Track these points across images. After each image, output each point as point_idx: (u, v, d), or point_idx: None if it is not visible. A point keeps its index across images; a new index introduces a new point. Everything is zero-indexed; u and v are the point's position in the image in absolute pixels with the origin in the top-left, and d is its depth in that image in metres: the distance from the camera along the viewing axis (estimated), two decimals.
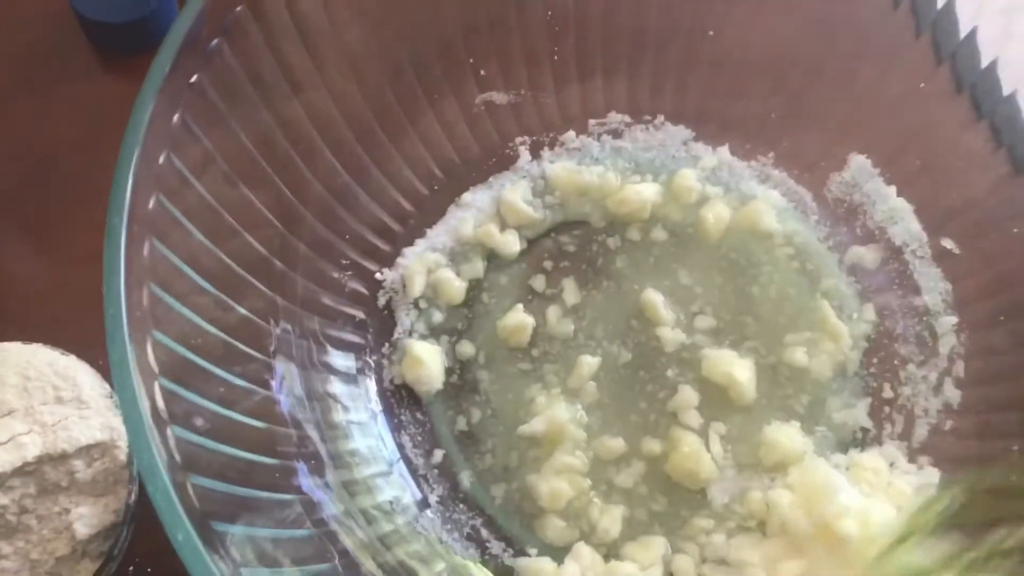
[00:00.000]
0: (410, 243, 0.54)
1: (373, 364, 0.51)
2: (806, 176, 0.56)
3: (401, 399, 0.51)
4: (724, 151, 0.57)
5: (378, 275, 0.53)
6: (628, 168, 0.57)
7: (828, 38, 0.54)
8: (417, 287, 0.52)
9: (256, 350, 0.43)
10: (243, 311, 0.43)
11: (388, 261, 0.53)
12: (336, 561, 0.39)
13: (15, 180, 0.56)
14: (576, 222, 0.55)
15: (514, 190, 0.55)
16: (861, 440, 0.49)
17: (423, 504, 0.48)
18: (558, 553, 0.46)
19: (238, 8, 0.42)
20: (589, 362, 0.50)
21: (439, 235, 0.54)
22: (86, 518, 0.41)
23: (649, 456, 0.48)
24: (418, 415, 0.50)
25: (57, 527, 0.41)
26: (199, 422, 0.36)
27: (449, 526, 0.47)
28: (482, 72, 0.55)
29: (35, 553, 0.41)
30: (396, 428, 0.50)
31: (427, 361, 0.50)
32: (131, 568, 0.45)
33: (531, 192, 0.55)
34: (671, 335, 0.51)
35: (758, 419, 0.49)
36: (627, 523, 0.47)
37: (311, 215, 0.49)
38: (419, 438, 0.50)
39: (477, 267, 0.53)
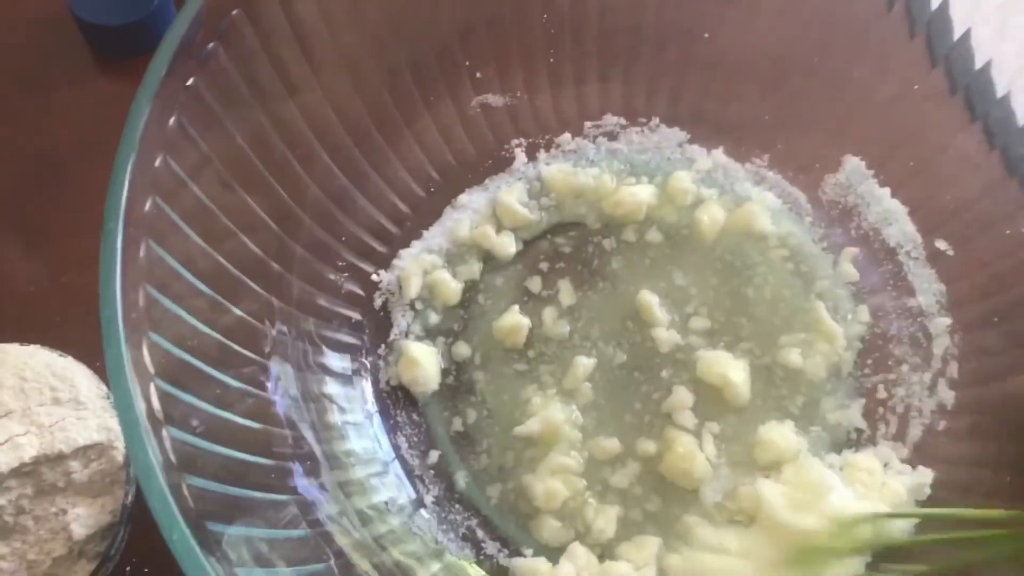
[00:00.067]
0: (406, 245, 0.54)
1: (369, 365, 0.51)
2: (800, 178, 0.56)
3: (397, 400, 0.51)
4: (719, 153, 0.57)
5: (374, 277, 0.53)
6: (623, 170, 0.57)
7: (822, 40, 0.54)
8: (413, 288, 0.52)
9: (252, 351, 0.43)
10: (239, 313, 0.43)
11: (384, 263, 0.53)
12: (331, 562, 0.40)
13: (13, 182, 0.56)
14: (572, 224, 0.55)
15: (510, 192, 0.55)
16: (855, 441, 0.49)
17: (419, 504, 0.48)
18: (553, 553, 0.46)
19: (234, 12, 0.42)
20: (584, 363, 0.50)
21: (435, 237, 0.54)
22: (83, 519, 0.41)
23: (644, 457, 0.49)
24: (414, 416, 0.50)
25: (54, 528, 0.41)
26: (195, 423, 0.36)
27: (445, 526, 0.48)
28: (478, 75, 0.55)
29: (32, 554, 0.41)
30: (392, 429, 0.50)
31: (423, 362, 0.50)
32: (128, 568, 0.45)
33: (527, 194, 0.56)
34: (666, 336, 0.51)
35: (753, 420, 0.49)
36: (622, 523, 0.47)
37: (307, 217, 0.49)
38: (415, 439, 0.50)
39: (473, 268, 0.54)
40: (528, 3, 0.54)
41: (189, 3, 0.40)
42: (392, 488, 0.48)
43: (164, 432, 0.34)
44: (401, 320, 0.52)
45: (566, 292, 0.53)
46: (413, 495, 0.48)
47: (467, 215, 0.55)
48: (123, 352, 0.33)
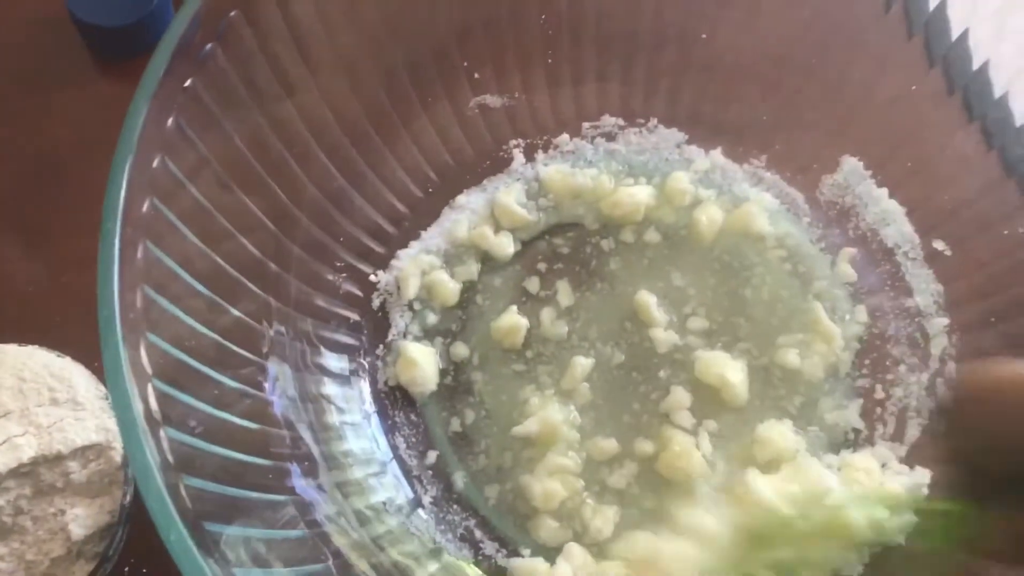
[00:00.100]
0: (404, 245, 0.54)
1: (367, 366, 0.51)
2: (798, 178, 0.56)
3: (395, 400, 0.51)
4: (717, 154, 0.57)
5: (372, 277, 0.53)
6: (621, 171, 0.57)
7: (820, 41, 0.54)
8: (411, 289, 0.52)
9: (250, 352, 0.43)
10: (237, 313, 0.43)
11: (382, 263, 0.53)
12: (329, 562, 0.40)
13: (11, 183, 0.56)
14: (570, 224, 0.55)
15: (508, 192, 0.55)
16: (853, 441, 0.49)
17: (416, 505, 0.48)
18: (551, 554, 0.46)
19: (232, 13, 0.42)
20: (582, 363, 0.50)
21: (433, 237, 0.54)
22: (81, 519, 0.41)
23: (642, 457, 0.49)
24: (412, 416, 0.51)
25: (52, 528, 0.41)
26: (192, 423, 0.36)
27: (443, 527, 0.48)
28: (476, 75, 0.55)
29: (30, 554, 0.41)
30: (390, 429, 0.50)
31: (421, 363, 0.50)
32: (126, 569, 0.45)
33: (525, 194, 0.56)
34: (664, 337, 0.51)
35: (751, 420, 0.49)
36: (619, 523, 0.47)
37: (305, 218, 0.49)
38: (413, 439, 0.50)
39: (471, 269, 0.54)
40: (526, 4, 0.54)
41: (187, 4, 0.40)
42: (390, 488, 0.48)
43: (162, 432, 0.34)
44: (399, 321, 0.52)
45: (564, 293, 0.53)
46: (411, 495, 0.48)
47: (465, 216, 0.55)
48: (121, 352, 0.33)
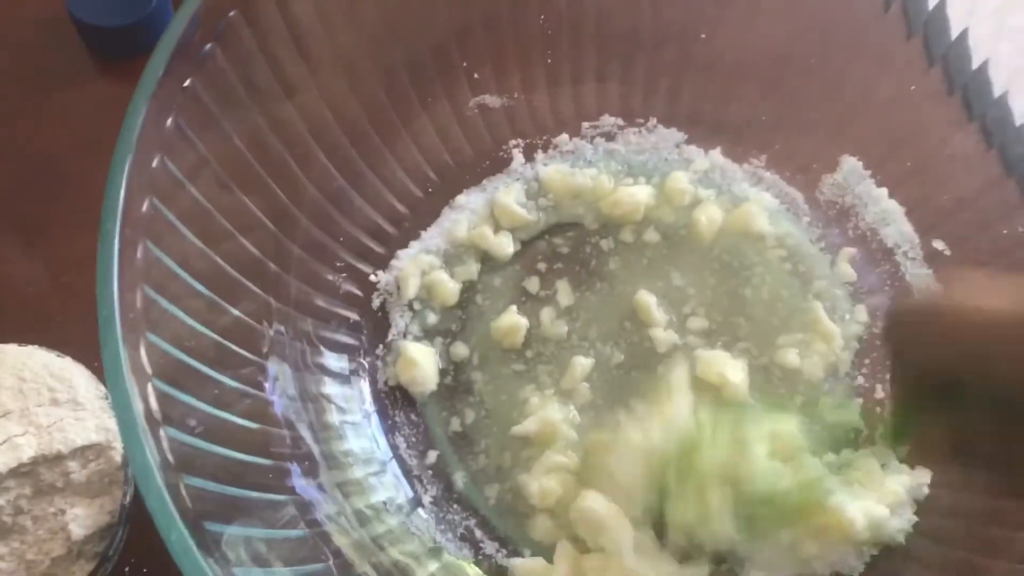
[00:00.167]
0: (404, 245, 0.54)
1: (367, 365, 0.51)
2: (798, 178, 0.56)
3: (395, 400, 0.51)
4: (716, 154, 0.57)
5: (372, 277, 0.53)
6: (621, 170, 0.57)
7: (820, 41, 0.54)
8: (411, 289, 0.52)
9: (250, 352, 0.43)
10: (237, 313, 0.43)
11: (382, 263, 0.53)
12: (330, 562, 0.40)
13: (11, 183, 0.56)
14: (569, 224, 0.55)
15: (508, 192, 0.55)
16: (854, 440, 0.49)
17: (417, 504, 0.48)
18: (551, 553, 0.46)
19: (231, 13, 0.42)
20: (582, 363, 0.50)
21: (433, 237, 0.54)
22: (81, 519, 0.41)
23: None
24: (412, 416, 0.51)
25: (52, 528, 0.41)
26: (193, 423, 0.36)
27: (443, 526, 0.48)
28: (475, 75, 0.55)
29: (31, 554, 0.41)
30: (390, 429, 0.50)
31: (421, 362, 0.50)
32: (126, 569, 0.45)
33: (524, 194, 0.56)
34: (664, 336, 0.51)
35: None
36: None
37: (305, 218, 0.49)
38: (413, 439, 0.50)
39: (471, 269, 0.54)
40: (525, 3, 0.54)
41: (186, 4, 0.40)
42: (390, 488, 0.48)
43: (162, 432, 0.34)
44: (399, 320, 0.52)
45: (564, 292, 0.53)
46: (411, 495, 0.48)
47: (465, 216, 0.55)
48: (121, 352, 0.34)
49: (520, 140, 0.57)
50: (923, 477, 0.47)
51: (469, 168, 0.56)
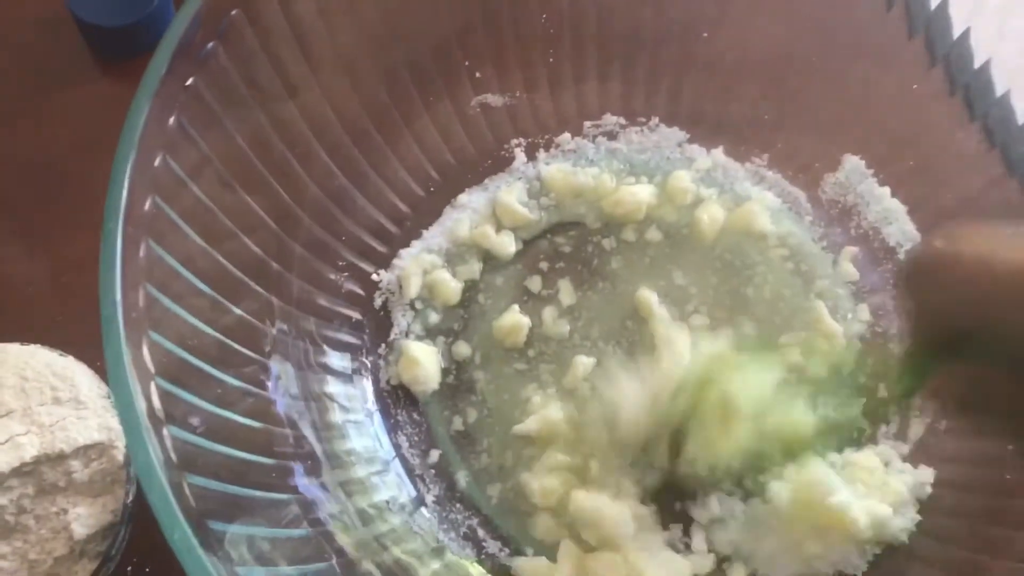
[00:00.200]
0: (406, 244, 0.54)
1: (369, 364, 0.51)
2: (800, 177, 0.56)
3: (397, 399, 0.51)
4: (718, 152, 0.57)
5: (374, 276, 0.53)
6: (623, 170, 0.57)
7: (822, 40, 0.54)
8: (413, 288, 0.52)
9: (252, 351, 0.43)
10: (239, 312, 0.43)
11: (384, 262, 0.53)
12: (333, 561, 0.40)
13: (13, 182, 0.56)
14: (571, 223, 0.55)
15: (510, 191, 0.55)
16: (856, 439, 0.49)
17: (419, 503, 0.48)
18: (553, 553, 0.46)
19: (233, 12, 0.42)
20: (584, 362, 0.50)
21: (435, 236, 0.54)
22: (84, 518, 0.41)
23: None
24: (414, 415, 0.51)
25: (55, 527, 0.41)
26: (195, 422, 0.36)
27: (445, 525, 0.48)
28: (477, 74, 0.55)
29: (33, 553, 0.41)
30: (392, 428, 0.50)
31: (423, 361, 0.50)
32: (129, 568, 0.45)
33: (526, 193, 0.56)
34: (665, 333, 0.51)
35: None
36: None
37: (307, 217, 0.49)
38: (415, 438, 0.50)
39: (473, 268, 0.54)
40: (527, 3, 0.54)
41: (188, 3, 0.40)
42: (393, 487, 0.48)
43: (165, 431, 0.34)
44: (401, 320, 0.52)
45: (566, 291, 0.53)
46: (414, 494, 0.48)
47: (467, 215, 0.55)
48: (123, 351, 0.34)
49: (522, 139, 0.57)
50: (926, 476, 0.47)
51: (471, 167, 0.56)
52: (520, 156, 0.57)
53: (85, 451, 0.42)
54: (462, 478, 0.49)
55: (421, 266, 0.53)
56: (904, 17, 0.52)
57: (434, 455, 0.49)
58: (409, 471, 0.49)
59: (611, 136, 0.58)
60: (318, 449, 0.44)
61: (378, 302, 0.53)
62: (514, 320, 0.51)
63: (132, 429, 0.33)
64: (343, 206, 0.51)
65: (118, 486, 0.43)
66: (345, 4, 0.48)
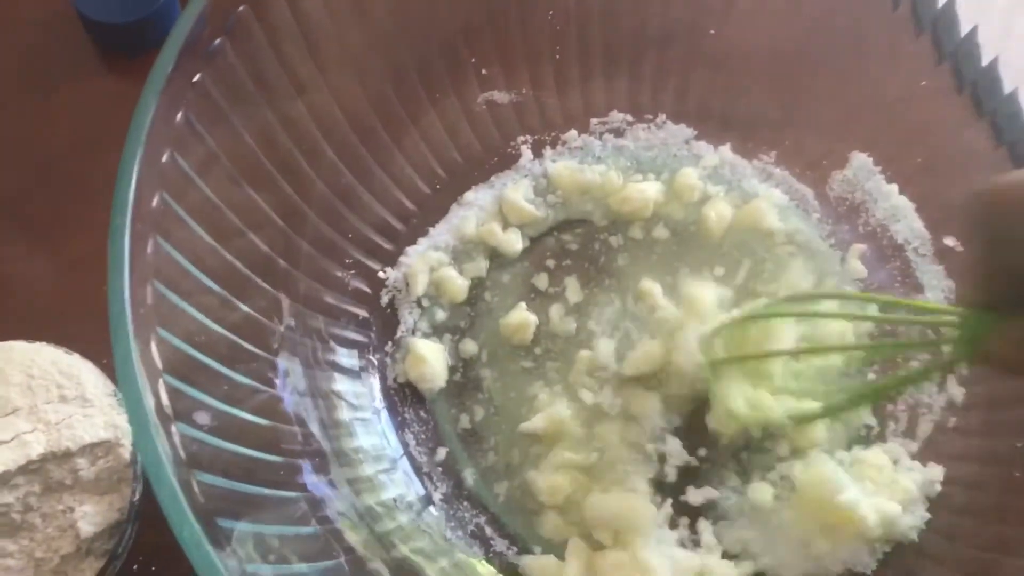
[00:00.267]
0: (413, 242, 0.54)
1: (376, 362, 0.51)
2: (808, 174, 0.56)
3: (404, 397, 0.51)
4: (726, 150, 0.57)
5: (381, 274, 0.53)
6: (630, 167, 0.57)
7: (829, 37, 0.54)
8: (420, 286, 0.52)
9: (260, 348, 0.43)
10: (247, 309, 0.43)
11: (391, 260, 0.53)
12: (342, 558, 0.40)
13: (19, 179, 0.56)
14: (578, 220, 0.55)
15: (516, 189, 0.55)
16: (865, 437, 0.49)
17: (427, 502, 0.48)
18: (561, 550, 0.46)
19: (240, 8, 0.42)
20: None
21: (442, 234, 0.54)
22: (90, 516, 0.41)
23: None
24: (421, 413, 0.50)
25: (61, 525, 0.41)
26: (204, 419, 0.36)
27: (453, 523, 0.47)
28: (484, 71, 0.55)
29: (39, 551, 0.41)
30: (400, 426, 0.50)
31: (430, 359, 0.50)
32: (135, 566, 0.45)
33: (533, 191, 0.56)
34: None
35: None
36: None
37: (314, 214, 0.49)
38: (423, 436, 0.50)
39: (480, 265, 0.54)
40: (534, 0, 0.54)
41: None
42: (401, 485, 0.48)
43: (173, 428, 0.34)
44: (408, 317, 0.52)
45: (573, 289, 0.53)
46: (422, 492, 0.48)
47: (473, 212, 0.55)
48: (132, 347, 0.34)
49: (528, 136, 0.57)
50: (935, 473, 0.47)
51: (477, 164, 0.56)
52: (527, 153, 0.57)
53: (91, 449, 0.42)
54: (469, 476, 0.49)
55: (428, 264, 0.53)
56: (911, 14, 0.52)
57: (441, 453, 0.49)
58: (417, 469, 0.49)
59: (618, 133, 0.58)
60: (326, 447, 0.44)
61: (385, 300, 0.53)
62: (521, 318, 0.51)
63: (141, 426, 0.32)
64: (350, 203, 0.51)
65: (124, 484, 0.42)
66: (352, 1, 0.48)
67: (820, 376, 0.45)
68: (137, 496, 0.43)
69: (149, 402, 0.33)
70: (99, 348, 0.42)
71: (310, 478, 0.42)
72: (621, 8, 0.55)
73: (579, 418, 0.49)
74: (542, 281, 0.53)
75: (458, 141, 0.55)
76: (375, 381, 0.51)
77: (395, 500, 0.46)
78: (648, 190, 0.54)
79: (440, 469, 0.49)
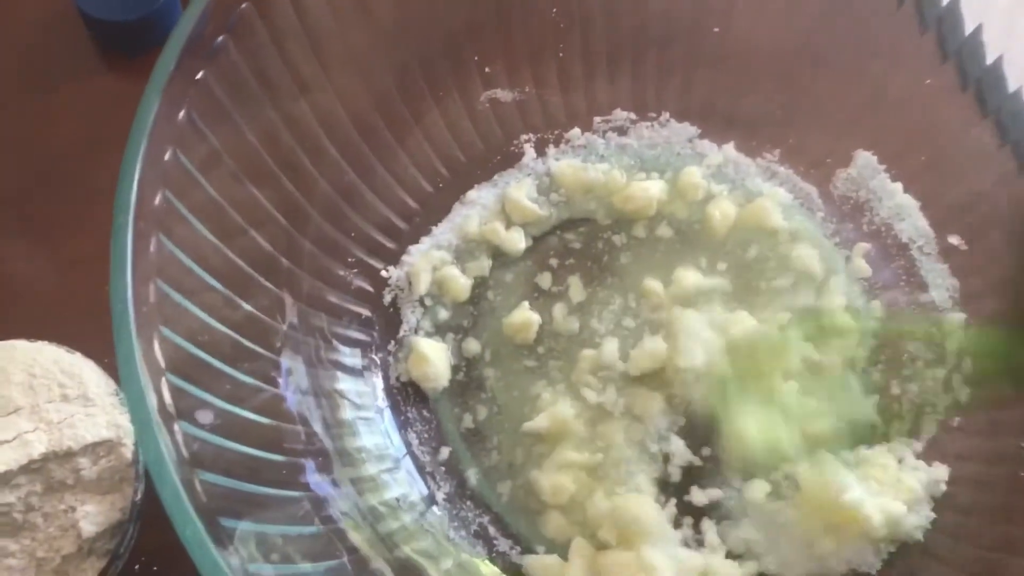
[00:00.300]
0: (415, 241, 0.54)
1: (379, 361, 0.51)
2: (812, 173, 0.56)
3: (407, 396, 0.50)
4: (730, 148, 0.57)
5: (384, 273, 0.53)
6: (633, 165, 0.56)
7: (833, 35, 0.54)
8: (423, 285, 0.52)
9: (263, 347, 0.43)
10: (250, 308, 0.43)
11: (394, 259, 0.53)
12: (345, 558, 0.39)
13: (21, 179, 0.56)
14: (581, 219, 0.55)
15: (519, 187, 0.55)
16: (869, 437, 0.49)
17: (430, 501, 0.48)
18: (565, 550, 0.46)
19: (243, 5, 0.42)
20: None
21: (444, 233, 0.54)
22: (92, 516, 0.41)
23: None
24: (424, 412, 0.50)
25: (63, 525, 0.41)
26: (206, 418, 0.36)
27: (456, 523, 0.47)
28: (487, 69, 0.55)
29: (41, 551, 0.40)
30: (403, 425, 0.50)
31: (433, 358, 0.50)
32: (137, 566, 0.45)
33: (536, 190, 0.55)
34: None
35: None
36: None
37: (317, 213, 0.49)
38: (426, 435, 0.50)
39: (483, 264, 0.53)
40: None
41: None
42: (404, 485, 0.47)
43: (175, 427, 0.34)
44: (410, 316, 0.52)
45: (576, 288, 0.53)
46: (425, 492, 0.48)
47: (476, 211, 0.55)
48: (134, 346, 0.33)
49: (531, 135, 0.57)
50: (940, 473, 0.46)
51: (480, 163, 0.56)
52: (530, 152, 0.56)
53: (93, 448, 0.42)
54: (472, 476, 0.49)
55: (430, 262, 0.53)
56: (916, 12, 0.52)
57: (444, 452, 0.49)
58: (420, 468, 0.49)
59: (621, 131, 0.57)
60: (329, 446, 0.44)
61: (387, 298, 0.52)
62: (524, 317, 0.51)
63: (143, 425, 0.32)
64: (352, 202, 0.51)
65: (127, 484, 0.42)
66: None
67: (830, 394, 0.45)
68: (139, 495, 0.43)
69: (151, 401, 0.33)
70: (101, 347, 0.41)
71: (313, 477, 0.41)
72: (624, 6, 0.55)
73: (583, 418, 0.49)
74: (545, 280, 0.53)
75: (461, 139, 0.55)
76: (378, 380, 0.50)
77: (398, 500, 0.46)
78: (652, 189, 0.54)
79: (443, 469, 0.49)
